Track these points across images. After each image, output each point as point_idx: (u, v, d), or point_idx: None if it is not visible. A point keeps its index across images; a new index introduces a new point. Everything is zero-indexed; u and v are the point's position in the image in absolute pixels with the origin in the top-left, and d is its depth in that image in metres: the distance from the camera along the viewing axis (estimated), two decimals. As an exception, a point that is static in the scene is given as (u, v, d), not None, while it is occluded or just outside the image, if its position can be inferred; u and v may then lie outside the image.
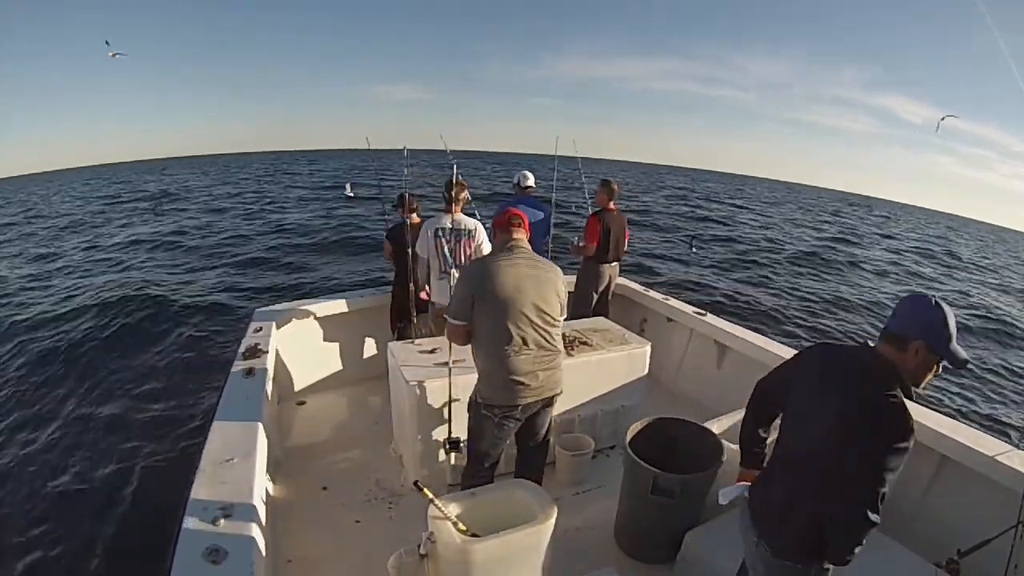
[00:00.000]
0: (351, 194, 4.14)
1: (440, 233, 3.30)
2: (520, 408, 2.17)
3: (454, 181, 3.25)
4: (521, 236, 2.24)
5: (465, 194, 3.40)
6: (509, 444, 2.39)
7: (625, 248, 4.23)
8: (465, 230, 3.31)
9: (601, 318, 3.67)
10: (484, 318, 2.11)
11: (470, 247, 3.32)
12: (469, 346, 2.24)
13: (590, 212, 4.17)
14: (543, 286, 2.16)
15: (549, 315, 2.17)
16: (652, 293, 4.31)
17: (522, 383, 2.12)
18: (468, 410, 2.32)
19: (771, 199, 43.29)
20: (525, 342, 2.10)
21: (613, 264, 4.16)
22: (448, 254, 3.29)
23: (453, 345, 2.58)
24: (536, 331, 2.13)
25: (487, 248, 3.30)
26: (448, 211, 3.30)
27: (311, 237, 12.73)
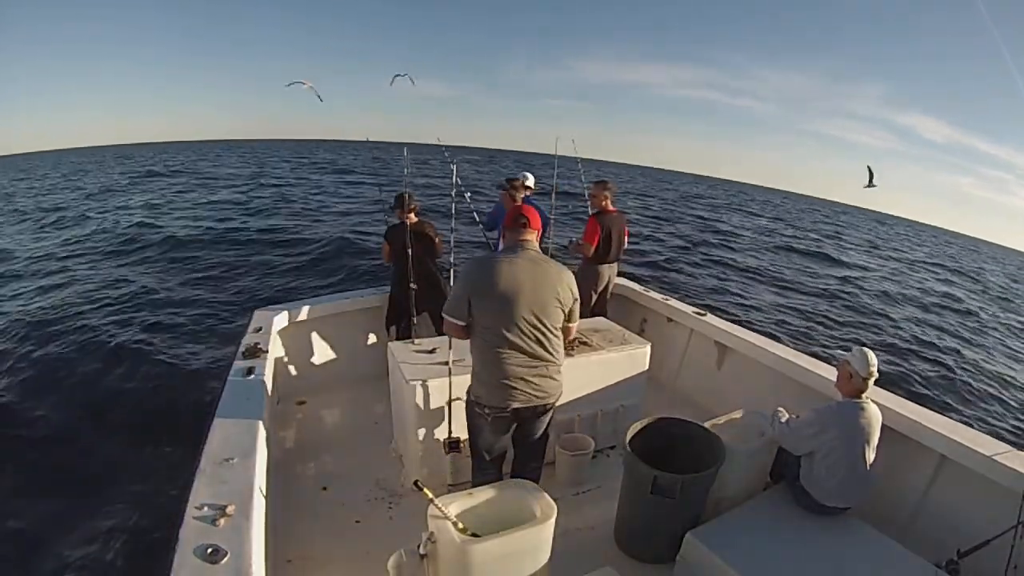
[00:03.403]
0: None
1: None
2: (511, 410, 2.14)
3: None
4: (530, 237, 2.17)
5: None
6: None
7: (625, 248, 4.24)
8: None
9: (601, 318, 3.67)
10: (479, 318, 2.09)
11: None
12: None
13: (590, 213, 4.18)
14: (542, 291, 2.08)
15: (546, 321, 2.09)
16: (652, 293, 4.31)
17: (512, 387, 2.09)
18: (464, 407, 2.33)
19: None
20: (517, 347, 2.06)
21: (612, 264, 4.17)
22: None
23: (453, 345, 2.58)
24: (529, 337, 2.07)
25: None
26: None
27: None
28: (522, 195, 3.80)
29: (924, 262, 23.34)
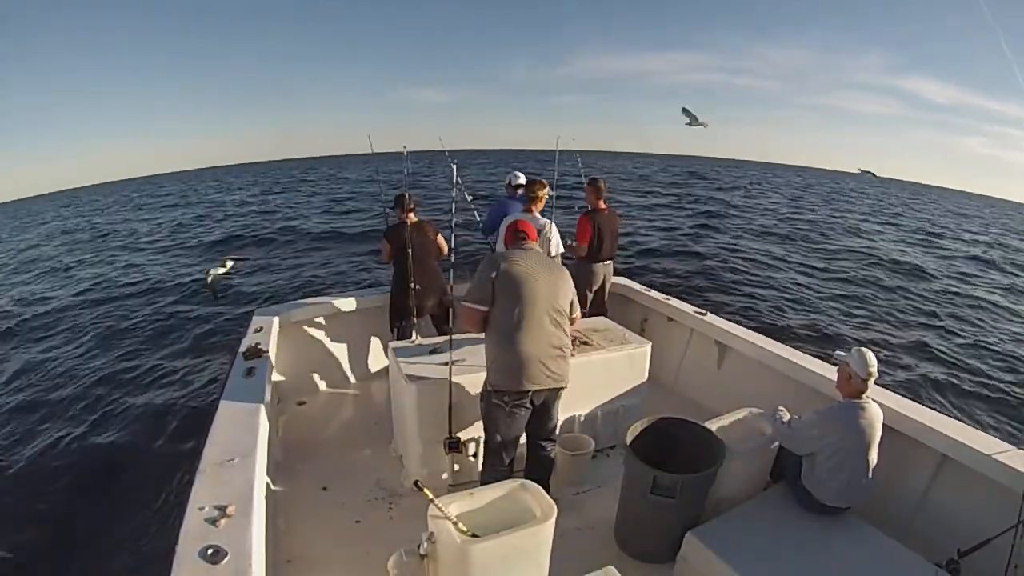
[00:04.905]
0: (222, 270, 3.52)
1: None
2: (530, 394, 2.25)
3: (535, 181, 3.58)
4: (532, 243, 2.46)
5: (545, 192, 3.59)
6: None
7: (618, 245, 4.24)
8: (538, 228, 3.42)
9: (601, 318, 3.66)
10: (500, 302, 2.24)
11: (542, 245, 3.41)
12: (472, 344, 2.29)
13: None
14: (556, 281, 2.33)
15: (560, 309, 2.32)
16: (652, 293, 4.31)
17: (530, 369, 2.21)
18: (480, 401, 2.39)
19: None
20: (537, 328, 2.22)
21: (607, 263, 4.17)
22: None
23: (453, 345, 2.58)
24: (548, 320, 2.26)
25: (555, 248, 3.54)
26: (528, 210, 3.50)
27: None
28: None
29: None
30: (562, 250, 3.75)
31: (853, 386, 2.21)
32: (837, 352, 2.33)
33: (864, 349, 2.22)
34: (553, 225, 3.56)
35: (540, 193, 3.55)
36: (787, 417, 2.42)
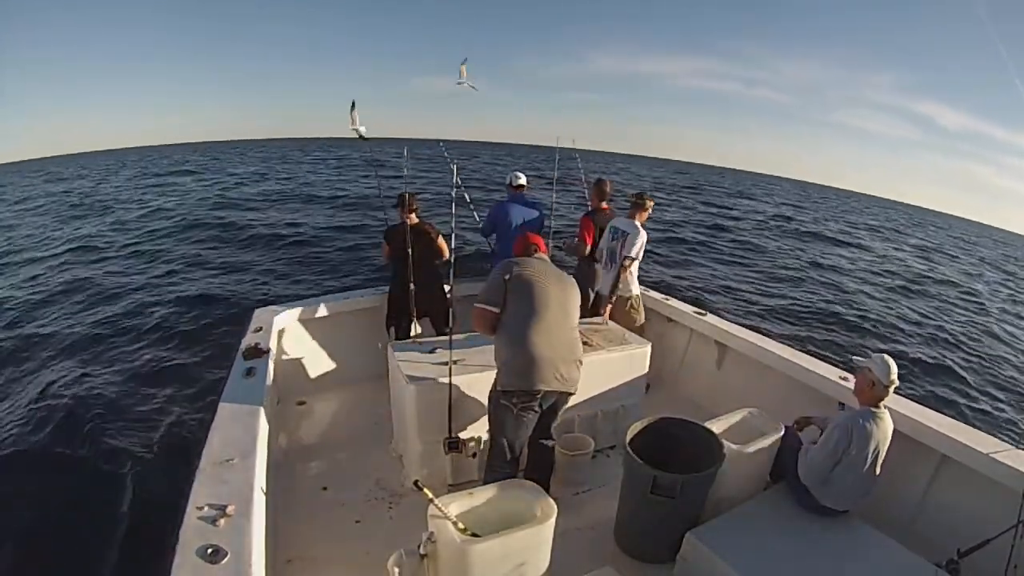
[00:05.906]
0: None
1: (610, 230, 3.80)
2: (540, 395, 2.26)
3: (645, 193, 3.80)
4: (543, 255, 2.53)
5: (651, 204, 3.84)
6: None
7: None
8: (622, 232, 3.68)
9: (601, 318, 3.67)
10: (512, 304, 2.27)
11: (622, 248, 3.64)
12: (472, 344, 2.29)
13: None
14: (566, 289, 2.40)
15: (572, 315, 2.38)
16: (652, 293, 4.31)
17: (541, 369, 2.22)
18: (488, 403, 2.40)
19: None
20: (548, 331, 2.24)
21: None
22: (608, 250, 3.79)
23: (453, 345, 2.58)
24: (560, 326, 2.30)
25: (634, 251, 3.61)
26: (631, 216, 3.72)
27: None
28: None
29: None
30: (641, 255, 3.76)
31: (874, 393, 2.16)
32: (856, 357, 2.31)
33: (886, 356, 2.17)
34: (637, 234, 3.63)
35: (648, 204, 3.78)
36: (813, 446, 2.31)
